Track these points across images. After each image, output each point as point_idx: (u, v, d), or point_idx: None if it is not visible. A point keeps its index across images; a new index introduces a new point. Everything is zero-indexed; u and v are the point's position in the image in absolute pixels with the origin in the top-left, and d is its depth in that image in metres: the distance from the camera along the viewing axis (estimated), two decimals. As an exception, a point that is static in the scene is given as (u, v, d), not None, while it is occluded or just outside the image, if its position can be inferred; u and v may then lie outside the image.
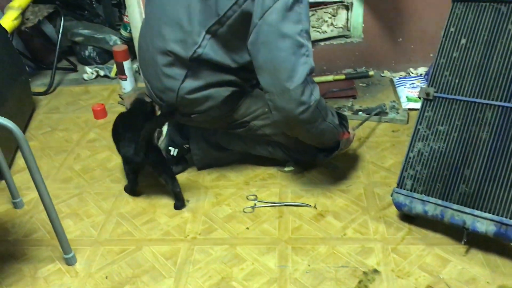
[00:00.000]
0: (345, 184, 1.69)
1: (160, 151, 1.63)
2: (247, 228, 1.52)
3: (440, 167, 1.41)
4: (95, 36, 2.69)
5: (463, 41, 1.44)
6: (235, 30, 1.42)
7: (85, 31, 2.70)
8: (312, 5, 2.28)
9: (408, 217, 1.50)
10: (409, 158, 1.47)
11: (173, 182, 1.60)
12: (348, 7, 2.30)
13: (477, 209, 1.33)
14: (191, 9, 1.43)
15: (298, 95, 1.35)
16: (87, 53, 2.72)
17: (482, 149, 1.36)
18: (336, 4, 2.29)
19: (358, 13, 2.29)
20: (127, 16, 2.48)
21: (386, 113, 2.04)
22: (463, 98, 1.41)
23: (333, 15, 2.33)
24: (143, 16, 2.28)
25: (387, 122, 2.03)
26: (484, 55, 1.40)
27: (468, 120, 1.40)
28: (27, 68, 2.40)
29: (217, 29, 1.43)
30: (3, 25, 2.20)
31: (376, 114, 2.03)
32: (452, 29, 1.47)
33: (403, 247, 1.42)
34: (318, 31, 2.35)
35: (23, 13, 2.41)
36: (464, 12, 1.46)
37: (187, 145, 1.76)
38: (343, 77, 2.38)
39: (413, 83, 2.23)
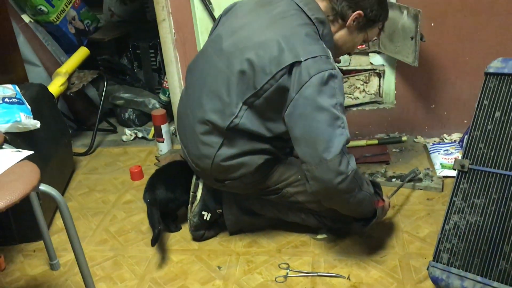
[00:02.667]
0: (379, 255, 1.66)
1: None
2: (279, 299, 1.50)
3: (478, 241, 1.38)
4: (135, 99, 2.81)
5: (498, 114, 1.44)
6: (271, 102, 1.47)
7: (126, 95, 2.83)
8: (345, 73, 2.34)
9: (445, 292, 1.46)
10: (445, 231, 1.44)
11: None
12: (380, 75, 2.34)
13: (519, 288, 1.28)
14: (230, 82, 1.50)
15: (336, 166, 1.37)
16: (127, 115, 2.84)
17: (521, 225, 1.32)
18: (368, 72, 2.34)
19: (390, 80, 2.33)
20: (166, 81, 2.60)
21: (420, 179, 2.03)
22: (500, 171, 1.40)
23: (365, 82, 2.37)
24: (182, 82, 2.40)
25: (421, 189, 2.01)
26: (520, 128, 1.40)
27: (505, 194, 1.37)
28: (69, 130, 2.52)
29: (254, 101, 1.48)
30: (51, 90, 2.34)
31: (410, 180, 2.01)
32: (485, 102, 1.47)
33: (441, 325, 1.36)
34: (350, 98, 2.39)
35: (69, 78, 2.56)
36: (497, 85, 1.47)
37: (220, 210, 1.78)
38: (375, 142, 2.39)
39: (447, 150, 2.22)
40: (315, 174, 1.41)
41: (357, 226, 1.66)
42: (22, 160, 1.33)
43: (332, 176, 1.39)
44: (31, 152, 1.38)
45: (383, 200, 1.66)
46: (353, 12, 1.53)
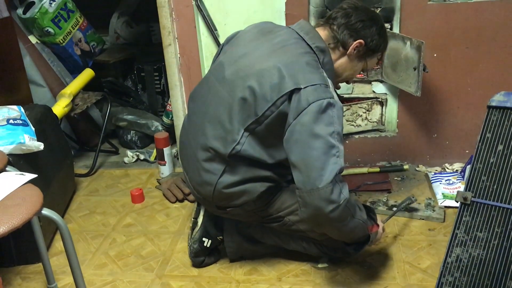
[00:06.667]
0: (380, 285, 1.64)
1: None
2: (279, 329, 1.49)
3: (481, 275, 1.37)
4: (138, 121, 2.82)
5: (500, 147, 1.45)
6: (272, 128, 1.48)
7: (129, 117, 2.84)
8: (347, 100, 2.36)
9: (447, 327, 1.44)
10: (447, 264, 1.44)
11: None
12: (382, 103, 2.36)
13: (522, 325, 1.27)
14: (232, 109, 1.51)
15: (328, 194, 1.37)
16: (129, 137, 2.84)
17: (524, 260, 1.32)
18: (371, 100, 2.36)
19: (392, 109, 2.35)
20: (169, 104, 2.62)
21: (416, 208, 2.02)
22: (503, 205, 1.40)
23: (367, 110, 2.39)
24: (185, 106, 2.41)
25: (423, 219, 2.00)
26: (522, 162, 1.40)
27: (508, 227, 1.37)
28: (72, 151, 2.52)
29: (255, 127, 1.50)
30: (55, 111, 2.35)
31: (405, 207, 2.00)
32: (488, 135, 1.48)
33: None
34: (353, 125, 2.41)
35: (73, 99, 2.58)
36: (500, 119, 1.48)
37: (221, 237, 1.78)
38: (377, 170, 2.39)
39: (449, 179, 2.22)
40: (306, 200, 1.41)
41: (349, 250, 1.66)
42: (25, 183, 1.33)
43: (323, 205, 1.38)
44: (35, 176, 1.38)
45: (377, 225, 1.66)
46: (354, 40, 1.55)
